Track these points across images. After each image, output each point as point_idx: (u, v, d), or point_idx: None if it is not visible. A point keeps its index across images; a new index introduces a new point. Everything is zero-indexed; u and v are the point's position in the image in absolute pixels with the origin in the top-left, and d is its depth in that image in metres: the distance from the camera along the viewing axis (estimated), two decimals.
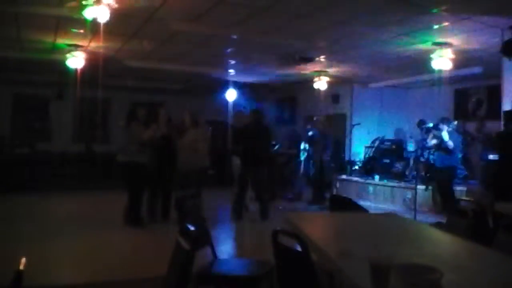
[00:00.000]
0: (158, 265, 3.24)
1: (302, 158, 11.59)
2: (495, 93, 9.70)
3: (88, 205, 10.11)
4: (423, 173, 10.16)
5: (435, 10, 6.25)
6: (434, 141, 9.39)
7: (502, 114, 7.78)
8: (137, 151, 7.54)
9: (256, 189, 8.78)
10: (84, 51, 9.12)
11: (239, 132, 9.11)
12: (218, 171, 13.16)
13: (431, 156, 9.90)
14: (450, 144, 8.75)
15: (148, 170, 7.65)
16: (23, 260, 1.99)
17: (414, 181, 9.41)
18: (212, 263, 3.72)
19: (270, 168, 8.96)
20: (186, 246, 2.41)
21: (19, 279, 1.95)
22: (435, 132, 9.58)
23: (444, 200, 9.01)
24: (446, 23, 6.86)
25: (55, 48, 9.12)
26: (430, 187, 9.71)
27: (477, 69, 9.90)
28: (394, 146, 11.98)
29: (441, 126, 9.03)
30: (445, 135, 8.80)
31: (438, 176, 9.28)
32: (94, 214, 8.92)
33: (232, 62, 10.62)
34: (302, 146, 11.64)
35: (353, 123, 12.73)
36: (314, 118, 11.64)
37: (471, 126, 11.06)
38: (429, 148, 9.84)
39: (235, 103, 14.32)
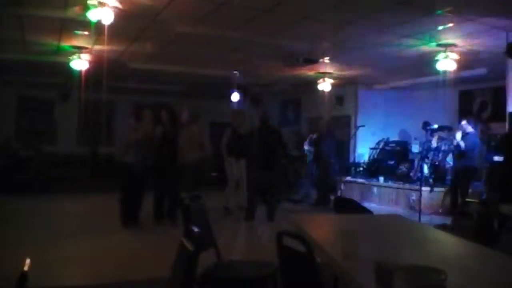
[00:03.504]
0: (162, 266, 3.24)
1: (308, 159, 11.57)
2: (500, 95, 9.67)
3: (92, 206, 10.13)
4: (427, 175, 10.14)
5: (439, 12, 6.24)
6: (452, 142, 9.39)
7: (507, 115, 7.76)
8: (128, 151, 7.58)
9: (265, 192, 8.81)
10: (89, 53, 9.14)
11: (244, 135, 9.21)
12: (221, 173, 13.14)
13: (448, 159, 9.87)
14: (462, 144, 8.77)
15: (139, 171, 7.65)
16: (28, 261, 2.00)
17: (418, 183, 9.39)
18: (216, 264, 3.72)
19: (276, 170, 9.01)
20: (190, 247, 2.40)
21: (23, 280, 1.96)
22: (441, 134, 9.58)
23: (455, 201, 8.98)
24: (451, 25, 6.84)
25: (59, 50, 9.14)
26: (435, 189, 9.70)
27: (481, 71, 9.86)
28: (398, 148, 11.98)
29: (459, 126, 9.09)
30: (458, 136, 8.81)
31: (456, 177, 9.24)
32: (99, 216, 8.94)
33: (236, 64, 10.62)
34: (306, 148, 11.62)
35: (358, 124, 12.72)
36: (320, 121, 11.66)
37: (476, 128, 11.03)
38: (442, 150, 9.83)
39: (239, 104, 14.33)
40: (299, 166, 12.10)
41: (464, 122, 9.20)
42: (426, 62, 8.98)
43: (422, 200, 8.73)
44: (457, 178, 9.19)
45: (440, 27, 7.02)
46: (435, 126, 10.09)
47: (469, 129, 9.09)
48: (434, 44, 7.95)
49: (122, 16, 6.35)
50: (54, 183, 12.12)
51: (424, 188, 9.27)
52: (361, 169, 12.59)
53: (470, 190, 9.32)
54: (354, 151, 13.37)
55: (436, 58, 8.30)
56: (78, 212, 9.74)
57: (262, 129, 8.89)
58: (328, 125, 11.28)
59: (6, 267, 3.57)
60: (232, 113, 10.47)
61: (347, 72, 11.28)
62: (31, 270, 2.02)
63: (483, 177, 9.72)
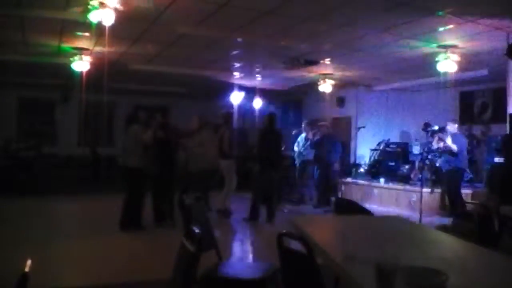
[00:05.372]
0: (163, 267, 3.25)
1: (297, 162, 11.51)
2: (500, 96, 9.67)
3: (93, 208, 10.13)
4: (428, 176, 10.13)
5: (440, 13, 6.24)
6: (440, 144, 9.36)
7: (507, 117, 7.76)
8: (137, 154, 7.57)
9: (267, 192, 8.83)
10: (89, 54, 9.15)
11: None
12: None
13: (437, 159, 9.87)
14: (454, 147, 8.75)
15: (146, 174, 7.66)
16: (29, 262, 2.00)
17: (419, 184, 9.38)
18: (217, 265, 3.72)
19: (278, 171, 9.04)
20: (191, 248, 2.41)
21: (24, 281, 1.96)
22: (440, 135, 9.56)
23: (451, 203, 8.98)
24: (451, 26, 6.84)
25: (60, 52, 9.15)
26: (436, 190, 9.69)
27: (482, 72, 9.86)
28: (399, 149, 11.97)
29: (446, 128, 9.05)
30: (448, 139, 8.81)
31: (445, 179, 9.25)
32: (99, 217, 8.94)
33: (237, 65, 10.63)
34: (296, 149, 11.58)
35: (358, 126, 12.72)
36: (305, 124, 11.69)
37: (477, 129, 11.03)
38: (434, 151, 9.81)
39: (240, 106, 14.34)
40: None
41: (449, 125, 9.20)
42: (427, 63, 8.98)
43: (423, 201, 8.72)
44: (448, 179, 9.19)
45: (441, 28, 7.02)
46: (436, 127, 10.08)
47: (453, 129, 9.09)
48: (434, 45, 7.96)
49: (123, 18, 6.35)
50: (55, 184, 12.13)
51: (424, 190, 9.26)
52: (361, 170, 12.59)
53: (470, 191, 9.33)
54: (355, 152, 13.37)
55: (436, 59, 8.29)
56: (79, 213, 9.75)
57: (268, 130, 8.93)
58: (328, 127, 11.26)
59: (7, 268, 3.57)
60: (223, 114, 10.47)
61: (348, 73, 11.28)
62: (33, 270, 2.02)
63: (483, 178, 9.73)
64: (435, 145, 9.74)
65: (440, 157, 9.60)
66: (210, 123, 9.18)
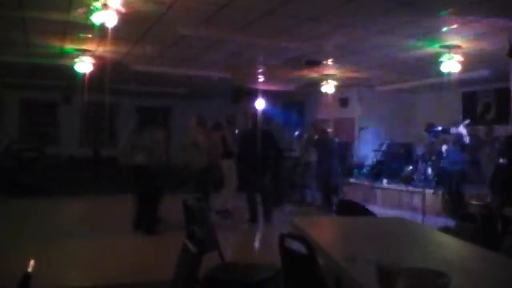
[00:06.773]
0: (165, 268, 3.24)
1: (299, 163, 11.51)
2: (504, 97, 9.65)
3: (95, 208, 10.14)
4: (431, 177, 10.11)
5: (442, 13, 6.22)
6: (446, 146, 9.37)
7: (511, 117, 7.74)
8: (156, 155, 7.59)
9: (261, 193, 8.84)
10: (92, 55, 9.16)
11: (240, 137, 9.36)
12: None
13: (442, 160, 9.86)
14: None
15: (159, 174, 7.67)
16: (32, 262, 2.00)
17: (422, 185, 9.36)
18: (219, 266, 3.72)
19: (277, 172, 9.03)
20: (193, 249, 2.40)
21: (27, 281, 1.96)
22: (444, 136, 9.55)
23: (453, 204, 8.96)
24: (454, 26, 6.82)
25: (63, 53, 9.16)
26: (439, 191, 9.68)
27: (485, 72, 9.84)
28: (402, 150, 11.95)
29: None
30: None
31: (449, 180, 9.24)
32: (101, 218, 8.95)
33: (239, 66, 10.61)
34: (297, 150, 11.58)
35: (361, 126, 12.70)
36: (307, 125, 11.74)
37: (480, 130, 10.99)
38: (442, 152, 9.82)
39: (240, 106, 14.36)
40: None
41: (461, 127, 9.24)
42: (429, 64, 8.97)
43: (426, 203, 8.71)
44: (451, 180, 9.19)
45: (444, 29, 7.00)
46: (439, 128, 10.07)
47: (464, 132, 9.15)
48: (437, 45, 7.93)
49: (125, 19, 6.35)
50: (57, 185, 12.15)
51: (427, 190, 9.25)
52: (364, 171, 12.57)
53: (473, 192, 9.30)
54: (358, 153, 13.35)
55: (440, 60, 8.27)
56: (80, 213, 9.76)
57: (253, 131, 8.96)
58: (327, 128, 11.25)
59: (9, 268, 3.57)
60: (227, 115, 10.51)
61: (350, 74, 11.26)
62: (36, 271, 2.02)
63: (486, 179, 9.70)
64: (438, 146, 9.73)
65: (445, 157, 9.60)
66: (206, 122, 9.21)
